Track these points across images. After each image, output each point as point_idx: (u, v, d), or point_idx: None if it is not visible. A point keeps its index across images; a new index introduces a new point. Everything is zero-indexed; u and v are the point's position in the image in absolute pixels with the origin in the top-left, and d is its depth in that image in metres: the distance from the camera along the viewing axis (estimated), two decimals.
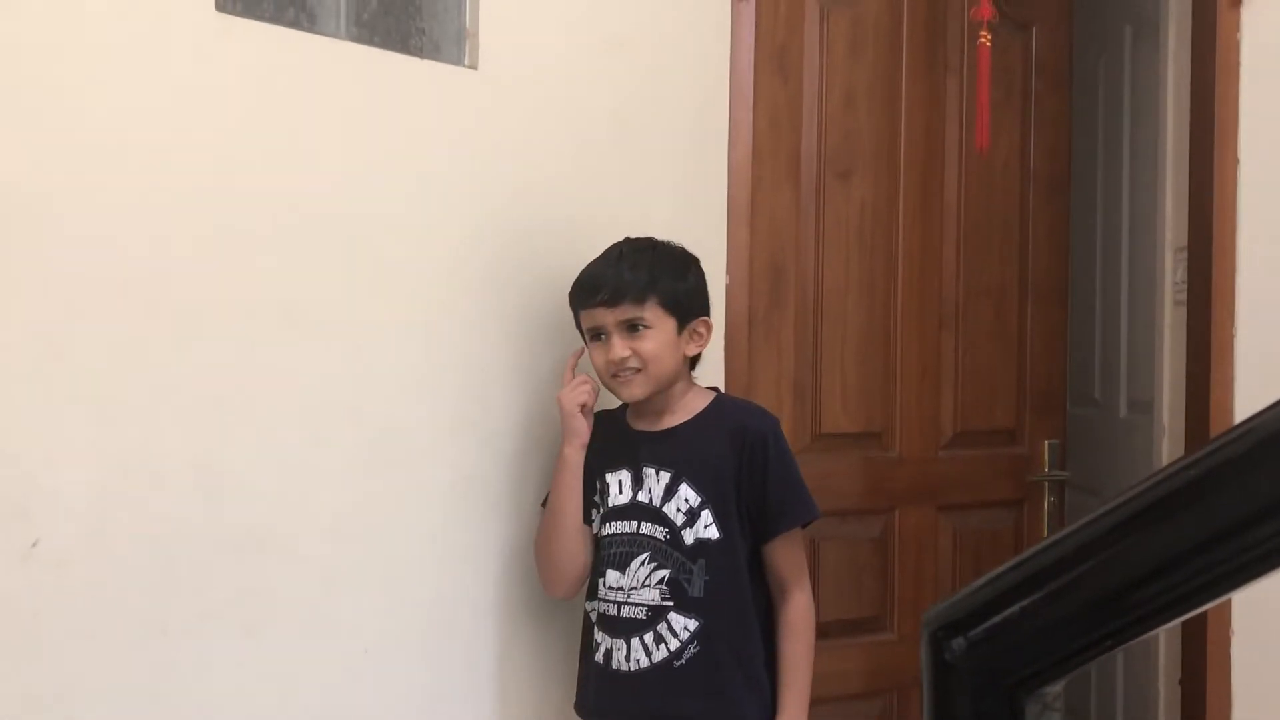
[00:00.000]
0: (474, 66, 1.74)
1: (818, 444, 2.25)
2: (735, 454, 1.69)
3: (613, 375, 1.70)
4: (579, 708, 1.77)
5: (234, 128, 1.50)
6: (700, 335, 1.75)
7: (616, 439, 1.77)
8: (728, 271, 2.09)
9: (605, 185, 1.91)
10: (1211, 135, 2.21)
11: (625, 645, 1.68)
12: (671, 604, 1.66)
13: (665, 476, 1.70)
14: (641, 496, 1.71)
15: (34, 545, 1.33)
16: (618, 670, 1.68)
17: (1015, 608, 0.56)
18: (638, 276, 1.68)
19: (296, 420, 1.56)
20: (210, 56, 1.47)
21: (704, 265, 2.09)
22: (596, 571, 1.73)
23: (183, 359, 1.45)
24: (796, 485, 1.72)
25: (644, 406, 1.75)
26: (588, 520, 1.76)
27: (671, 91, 2.00)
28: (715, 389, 1.82)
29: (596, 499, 1.75)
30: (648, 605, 1.67)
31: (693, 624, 1.65)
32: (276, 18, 1.55)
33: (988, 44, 2.11)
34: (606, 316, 1.68)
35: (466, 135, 1.73)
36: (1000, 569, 0.57)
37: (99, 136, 1.39)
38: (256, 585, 1.52)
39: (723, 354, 2.08)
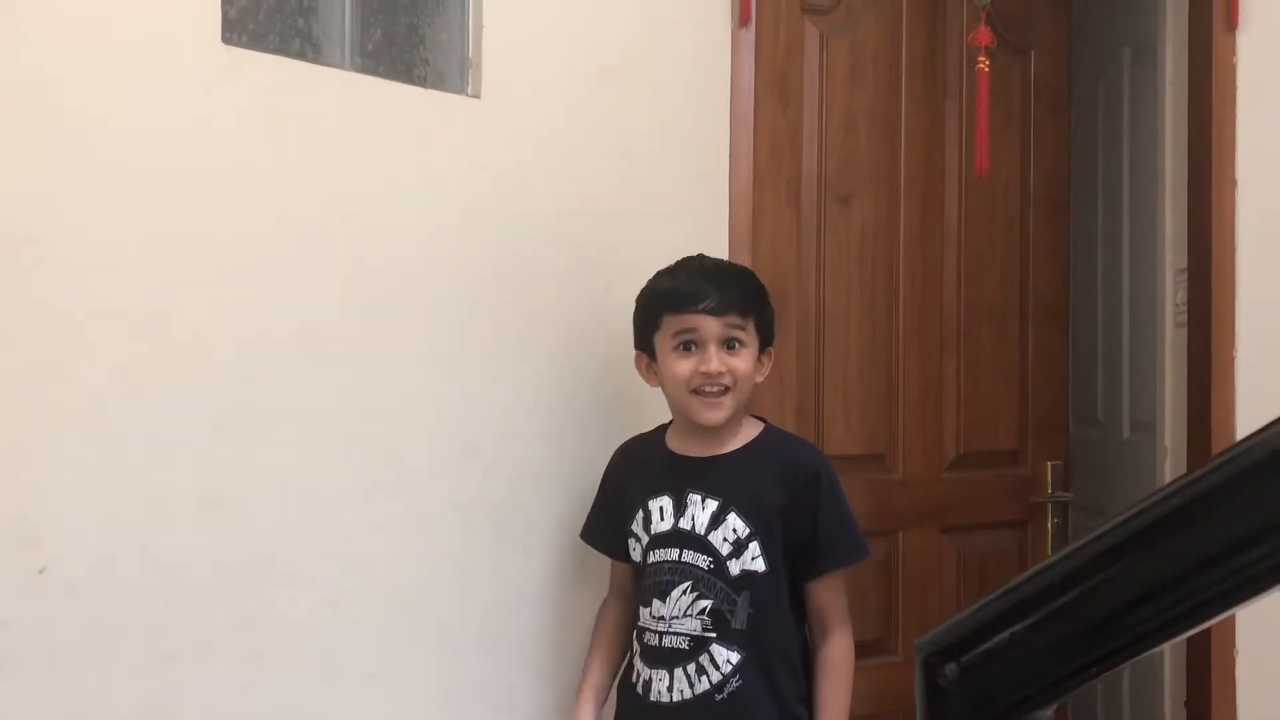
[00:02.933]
0: (477, 95, 1.76)
1: None
2: (786, 489, 1.65)
3: (694, 390, 1.63)
4: None
5: (239, 158, 1.51)
6: (764, 366, 1.72)
7: (656, 464, 1.72)
8: None
9: (607, 212, 1.93)
10: (1209, 158, 2.22)
11: (668, 676, 1.64)
12: (714, 635, 1.62)
13: (713, 504, 1.66)
14: (684, 524, 1.66)
15: (41, 572, 1.34)
16: (658, 702, 1.64)
17: (1006, 633, 0.57)
18: (741, 291, 1.66)
19: (301, 448, 1.57)
20: (215, 88, 1.49)
21: None
22: (643, 600, 1.69)
23: (188, 388, 1.47)
24: (847, 525, 1.69)
25: (695, 431, 1.70)
26: (628, 552, 1.73)
27: (673, 118, 2.02)
28: (762, 419, 1.77)
29: (635, 528, 1.71)
30: (689, 635, 1.63)
31: (735, 656, 1.62)
32: (282, 49, 1.57)
33: (986, 69, 2.13)
34: (709, 325, 1.62)
35: (470, 164, 1.75)
36: (991, 595, 0.58)
37: (105, 168, 1.40)
38: (262, 612, 1.53)
39: None
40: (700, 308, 1.62)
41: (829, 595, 1.69)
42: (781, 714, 1.64)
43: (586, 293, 1.89)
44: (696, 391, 1.63)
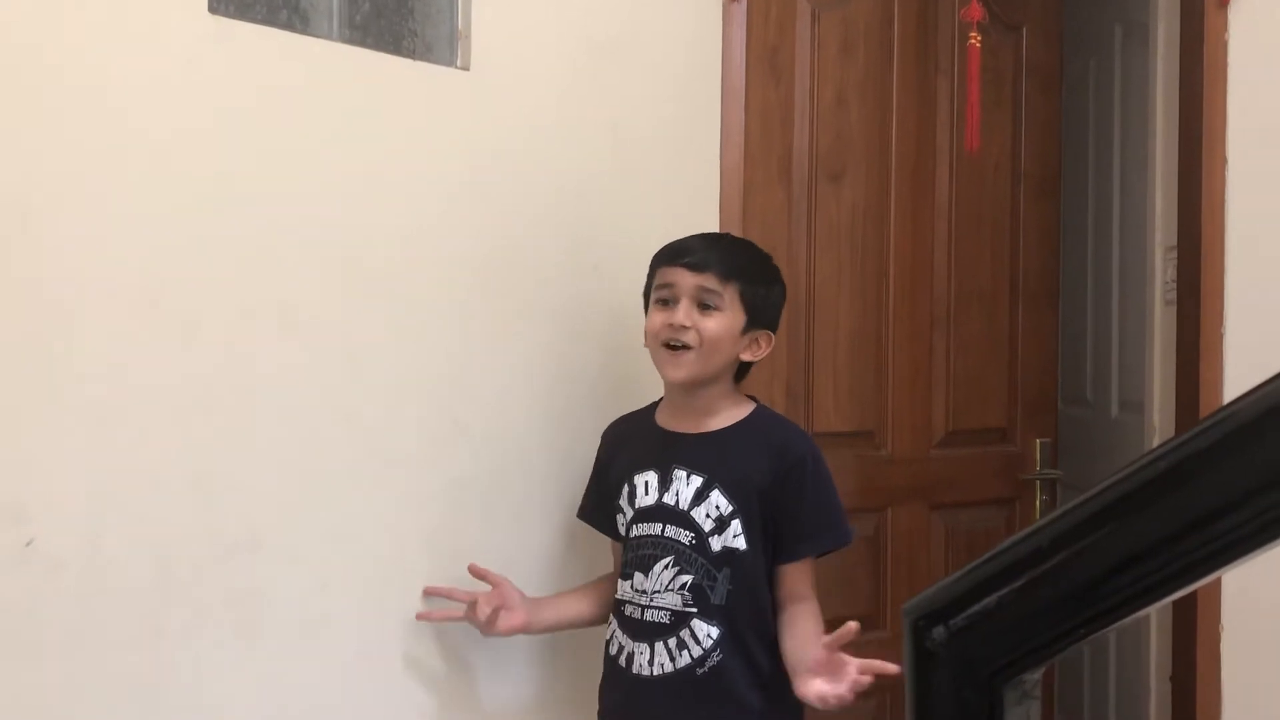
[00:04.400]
0: (466, 68, 1.75)
1: None
2: (772, 470, 1.65)
3: (664, 343, 1.64)
4: (601, 714, 1.74)
5: (227, 130, 1.50)
6: (759, 346, 1.70)
7: (645, 440, 1.73)
8: None
9: (597, 187, 1.92)
10: (1200, 135, 2.22)
11: (649, 649, 1.65)
12: (695, 610, 1.63)
13: (697, 480, 1.66)
14: (668, 499, 1.67)
15: (28, 545, 1.33)
16: (639, 675, 1.65)
17: (994, 597, 0.57)
18: (732, 257, 1.67)
19: (291, 425, 1.57)
20: (202, 59, 1.48)
21: None
22: (623, 573, 1.71)
23: (178, 363, 1.46)
24: (830, 511, 1.69)
25: (684, 406, 1.71)
26: (614, 526, 1.74)
27: (663, 93, 2.01)
28: (754, 398, 1.77)
29: (622, 502, 1.72)
30: (670, 610, 1.64)
31: (715, 631, 1.63)
32: (269, 19, 1.56)
33: (978, 45, 2.12)
34: (685, 279, 1.64)
35: (458, 137, 1.74)
36: (979, 559, 0.58)
37: (91, 140, 1.39)
38: (252, 588, 1.53)
39: None
40: (679, 261, 1.65)
41: (802, 577, 1.68)
42: (760, 688, 1.65)
43: (576, 270, 1.89)
44: (667, 344, 1.64)
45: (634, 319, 1.90)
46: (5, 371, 1.33)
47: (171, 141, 1.45)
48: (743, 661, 1.63)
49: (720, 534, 1.63)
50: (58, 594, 1.36)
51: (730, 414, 1.70)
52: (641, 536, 1.68)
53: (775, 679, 1.66)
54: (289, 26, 1.58)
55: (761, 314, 1.69)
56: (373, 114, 1.64)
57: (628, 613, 1.68)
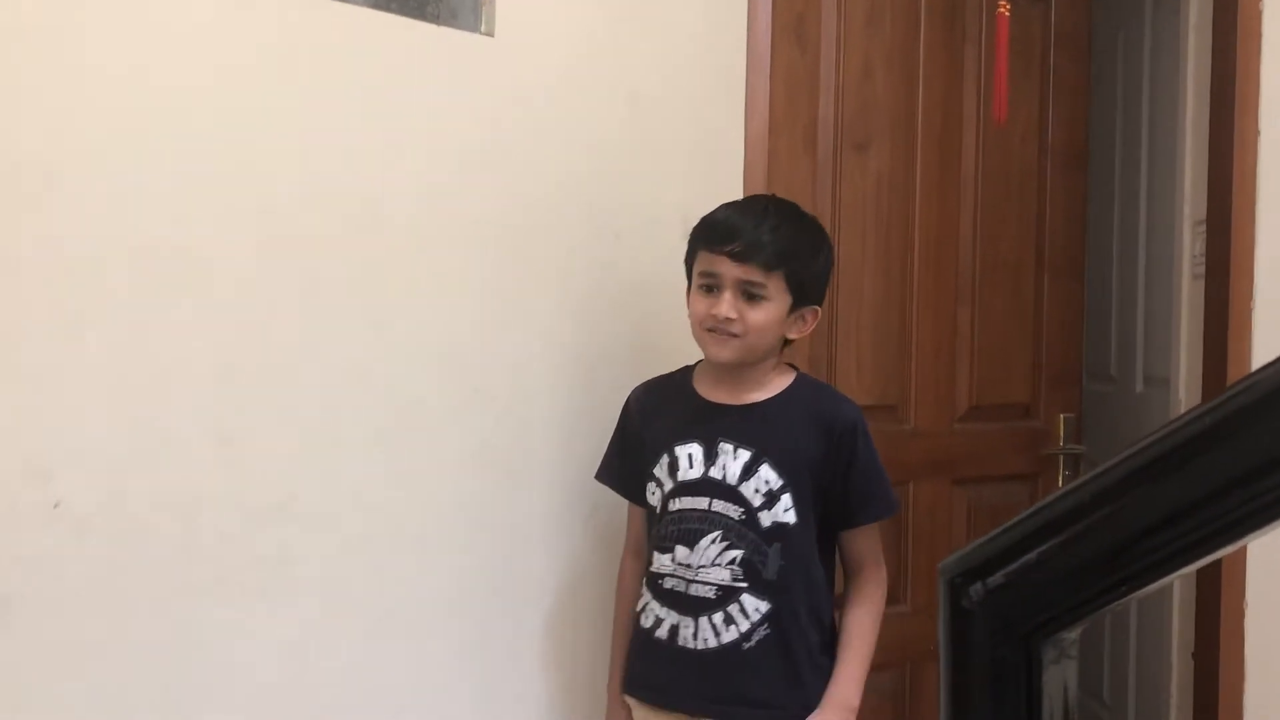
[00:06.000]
0: (490, 34, 1.73)
1: None
2: (823, 441, 1.63)
3: (709, 329, 1.62)
4: (631, 684, 1.72)
5: (251, 94, 1.50)
6: (805, 322, 1.67)
7: (686, 409, 1.69)
8: None
9: (620, 156, 1.91)
10: (1232, 106, 2.19)
11: (693, 623, 1.63)
12: (745, 585, 1.61)
13: (745, 455, 1.63)
14: (714, 473, 1.64)
15: (56, 506, 1.34)
16: (684, 647, 1.63)
17: (1033, 554, 0.56)
18: (777, 243, 1.60)
19: (316, 390, 1.57)
20: (228, 22, 1.47)
21: None
22: (661, 546, 1.67)
23: (203, 328, 1.46)
24: (881, 478, 1.68)
25: (726, 377, 1.68)
26: (645, 496, 1.70)
27: (688, 61, 1.99)
28: (793, 366, 1.74)
29: (659, 472, 1.68)
30: (718, 585, 1.62)
31: (765, 605, 1.61)
32: None
33: (1007, 14, 2.09)
34: (729, 269, 1.59)
35: (481, 103, 1.73)
36: (1018, 517, 0.58)
37: (114, 103, 1.39)
38: (278, 552, 1.53)
39: None
40: (723, 250, 1.60)
41: (865, 543, 1.69)
42: (812, 663, 1.64)
43: (598, 238, 1.88)
44: (711, 330, 1.62)
45: (655, 287, 1.90)
46: (31, 333, 1.33)
47: (195, 105, 1.45)
48: (793, 637, 1.62)
49: (770, 508, 1.61)
50: (85, 555, 1.37)
51: (774, 384, 1.68)
52: (686, 510, 1.64)
53: (825, 652, 1.66)
54: None
55: (809, 292, 1.65)
56: (397, 79, 1.63)
57: (668, 586, 1.65)
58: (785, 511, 1.61)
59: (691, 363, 1.76)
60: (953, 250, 2.39)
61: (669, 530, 1.66)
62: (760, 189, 2.10)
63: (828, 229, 2.22)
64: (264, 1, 1.50)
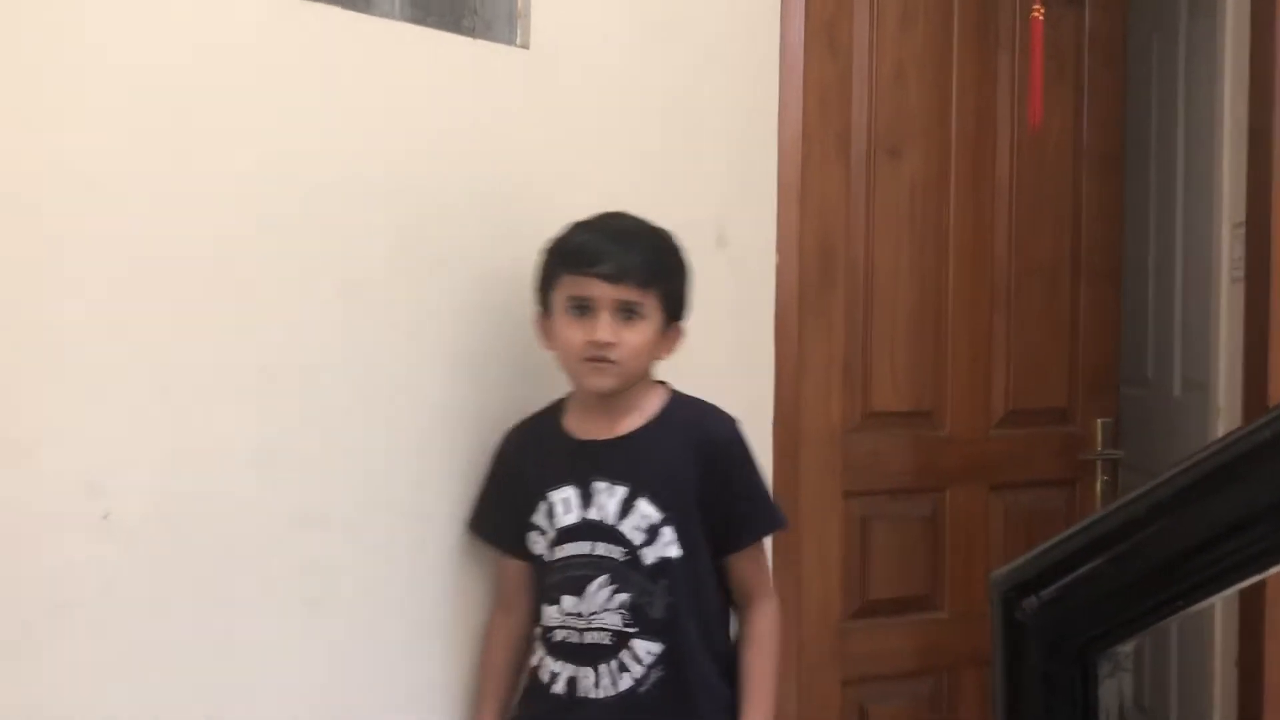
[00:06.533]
0: (525, 46, 1.75)
1: (868, 423, 2.25)
2: (698, 465, 1.57)
3: (586, 358, 1.53)
4: None
5: (289, 107, 1.51)
6: (672, 341, 1.61)
7: (555, 451, 1.60)
8: (777, 251, 2.08)
9: (654, 165, 1.91)
10: (1271, 108, 2.17)
11: (593, 673, 1.56)
12: (635, 629, 1.54)
13: (620, 491, 1.55)
14: (593, 514, 1.56)
15: (105, 517, 1.36)
16: (584, 698, 1.56)
17: (1087, 568, 0.56)
18: (647, 259, 1.54)
19: (354, 400, 1.58)
20: (267, 37, 1.49)
21: (754, 243, 2.09)
22: (547, 598, 1.58)
23: (242, 339, 1.48)
24: (761, 495, 1.63)
25: (596, 407, 1.59)
26: (526, 546, 1.60)
27: (721, 69, 2.00)
28: (664, 383, 1.65)
29: (539, 520, 1.59)
30: (611, 630, 1.55)
31: (656, 648, 1.54)
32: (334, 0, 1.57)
33: (1040, 18, 2.08)
34: (602, 291, 1.51)
35: (518, 116, 1.74)
36: (1071, 530, 0.58)
37: (158, 116, 1.41)
38: (318, 561, 1.54)
39: (772, 335, 2.08)
40: (594, 271, 1.51)
41: (750, 566, 1.63)
42: (707, 698, 1.58)
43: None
44: (589, 359, 1.53)
45: (695, 300, 1.89)
46: (77, 347, 1.35)
47: (235, 119, 1.47)
48: (688, 675, 1.56)
49: (652, 544, 1.54)
50: (133, 565, 1.38)
51: (645, 408, 1.60)
52: (571, 557, 1.57)
53: (723, 678, 1.60)
54: (353, 6, 1.58)
55: (677, 309, 1.60)
56: (434, 92, 1.65)
57: (559, 638, 1.57)
58: (668, 545, 1.54)
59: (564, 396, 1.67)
60: (988, 255, 2.38)
61: (555, 580, 1.58)
62: (794, 196, 2.10)
63: (861, 236, 2.24)
64: (304, 17, 1.52)
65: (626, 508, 1.55)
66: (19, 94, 1.31)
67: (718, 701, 1.59)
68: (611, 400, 1.59)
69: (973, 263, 2.36)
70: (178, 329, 1.43)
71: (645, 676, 1.55)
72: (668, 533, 1.55)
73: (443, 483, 1.67)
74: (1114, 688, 0.56)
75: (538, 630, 1.61)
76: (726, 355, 2.02)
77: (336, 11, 1.56)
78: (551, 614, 1.58)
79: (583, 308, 1.53)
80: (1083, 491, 2.53)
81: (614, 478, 1.56)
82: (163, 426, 1.42)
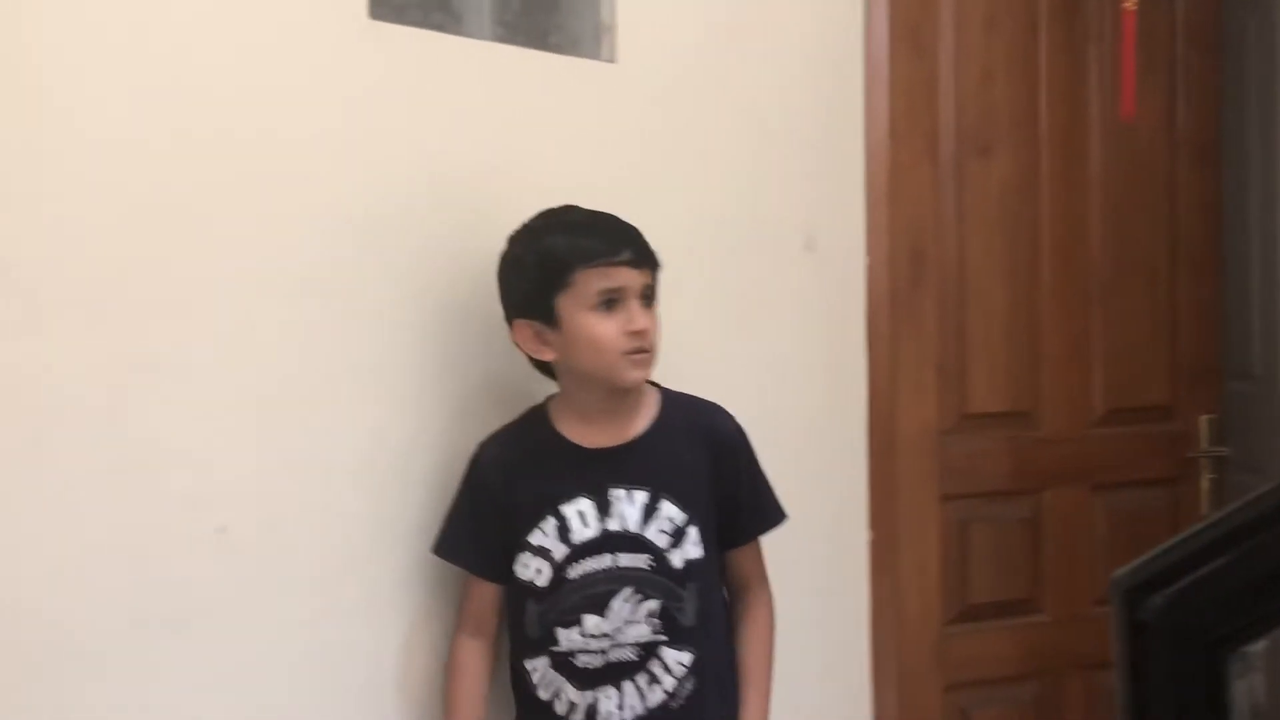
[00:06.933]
0: (611, 60, 1.77)
1: (964, 424, 2.22)
2: (710, 461, 1.52)
3: (626, 351, 1.45)
4: None
5: (386, 130, 1.55)
6: None
7: (561, 460, 1.50)
8: (867, 253, 2.08)
9: (740, 172, 1.92)
10: None
11: (617, 694, 1.48)
12: (665, 638, 1.48)
13: (641, 496, 1.48)
14: (613, 525, 1.47)
15: (221, 531, 1.41)
16: None
17: (1213, 565, 0.56)
18: (648, 244, 1.49)
19: (451, 410, 1.60)
20: (364, 62, 1.53)
21: (844, 246, 2.09)
22: (564, 620, 1.47)
23: (343, 353, 1.51)
24: (767, 488, 1.60)
25: (595, 412, 1.50)
26: (513, 571, 1.48)
27: (806, 75, 2.00)
28: (652, 382, 1.56)
29: (541, 540, 1.48)
30: (637, 644, 1.47)
31: (687, 657, 1.49)
32: (424, 21, 1.61)
33: (1133, 8, 2.04)
34: (631, 278, 1.45)
35: (607, 129, 1.75)
36: (1195, 527, 0.57)
37: (247, 144, 1.44)
38: (423, 572, 1.58)
39: (864, 336, 2.07)
40: (622, 260, 1.44)
41: (753, 558, 1.60)
42: (731, 709, 1.55)
43: (716, 255, 1.89)
44: (629, 353, 1.45)
45: (780, 303, 1.89)
46: (191, 369, 1.40)
47: (336, 144, 1.51)
48: (714, 683, 1.52)
49: (678, 546, 1.49)
50: (248, 577, 1.43)
51: (646, 409, 1.54)
52: (589, 574, 1.47)
53: (731, 669, 1.57)
54: (442, 28, 1.62)
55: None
56: (524, 109, 1.67)
57: (581, 663, 1.48)
58: (693, 546, 1.49)
59: (539, 403, 1.58)
60: (1082, 252, 2.35)
61: (574, 600, 1.48)
62: (882, 199, 2.09)
63: (953, 235, 2.21)
64: (397, 40, 1.56)
65: (650, 512, 1.48)
66: (143, 123, 1.37)
67: (734, 708, 1.56)
68: (620, 402, 1.51)
69: (1067, 259, 2.32)
70: (279, 347, 1.47)
71: (678, 689, 1.49)
72: (693, 533, 1.49)
73: None
74: (1246, 688, 0.56)
75: (549, 656, 1.49)
76: (817, 359, 2.02)
77: (428, 34, 1.59)
78: (570, 638, 1.48)
79: (612, 300, 1.45)
80: (1187, 490, 2.47)
81: (632, 483, 1.49)
82: (270, 441, 1.46)
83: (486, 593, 1.53)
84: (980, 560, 2.25)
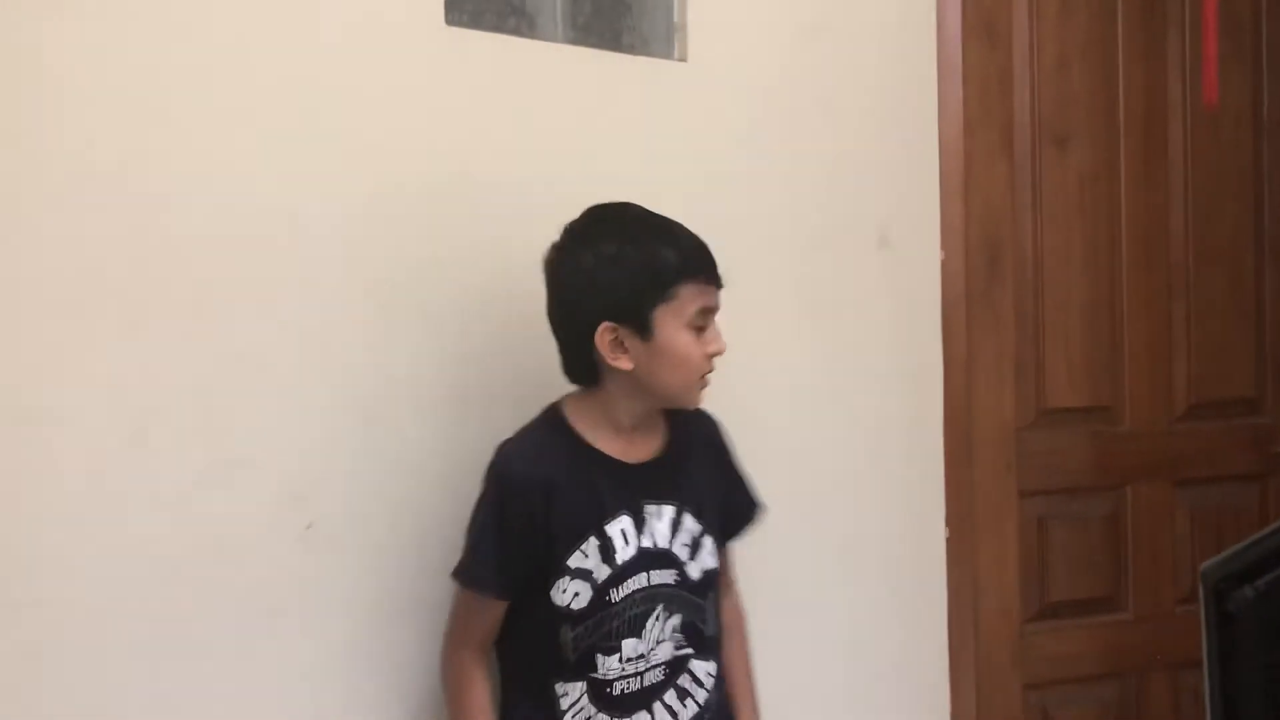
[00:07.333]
0: (683, 59, 1.78)
1: (1042, 419, 2.20)
2: (710, 461, 1.52)
3: (704, 374, 1.42)
4: None
5: (465, 133, 1.58)
6: None
7: (604, 476, 1.42)
8: (942, 247, 2.06)
9: (812, 168, 1.91)
10: None
11: (648, 715, 1.43)
12: (692, 650, 1.45)
13: (669, 511, 1.44)
14: (646, 541, 1.42)
15: (309, 528, 1.45)
16: None
17: None
18: None
19: (518, 415, 1.62)
20: (442, 67, 1.56)
21: (918, 241, 2.08)
22: (602, 648, 1.40)
23: (425, 353, 1.54)
24: (748, 481, 1.57)
25: (632, 428, 1.44)
26: (550, 596, 1.38)
27: (876, 69, 1.99)
28: None
29: (583, 562, 1.39)
30: (665, 662, 1.43)
31: (713, 667, 1.47)
32: (499, 26, 1.63)
33: None
34: (717, 299, 1.41)
35: (681, 128, 1.76)
36: None
37: (340, 146, 1.48)
38: None
39: (940, 333, 2.06)
40: (715, 279, 1.40)
41: (728, 559, 1.57)
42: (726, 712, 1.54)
43: (792, 251, 1.89)
44: (702, 375, 1.41)
45: (854, 301, 1.88)
46: (280, 371, 1.44)
47: (416, 147, 1.54)
48: (724, 691, 1.53)
49: (696, 558, 1.46)
50: (339, 572, 1.47)
51: (661, 422, 1.49)
52: (629, 595, 1.40)
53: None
54: (517, 32, 1.64)
55: None
56: (599, 110, 1.69)
57: (619, 691, 1.41)
58: (709, 556, 1.47)
59: (551, 406, 1.49)
60: (1163, 242, 2.30)
61: (613, 625, 1.40)
62: (957, 191, 2.07)
63: (1029, 228, 2.19)
64: (473, 44, 1.58)
65: (675, 526, 1.45)
66: (234, 129, 1.41)
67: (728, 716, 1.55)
68: (657, 418, 1.47)
69: (1147, 250, 2.28)
70: (371, 351, 1.51)
71: (710, 701, 1.47)
72: (708, 543, 1.47)
73: None
74: None
75: (575, 685, 1.40)
76: (891, 356, 2.01)
77: (503, 38, 1.62)
78: (612, 664, 1.40)
79: (704, 319, 1.39)
80: (1275, 486, 2.41)
81: (661, 498, 1.44)
82: (356, 437, 1.50)
83: (498, 611, 1.43)
84: (1060, 557, 2.22)
